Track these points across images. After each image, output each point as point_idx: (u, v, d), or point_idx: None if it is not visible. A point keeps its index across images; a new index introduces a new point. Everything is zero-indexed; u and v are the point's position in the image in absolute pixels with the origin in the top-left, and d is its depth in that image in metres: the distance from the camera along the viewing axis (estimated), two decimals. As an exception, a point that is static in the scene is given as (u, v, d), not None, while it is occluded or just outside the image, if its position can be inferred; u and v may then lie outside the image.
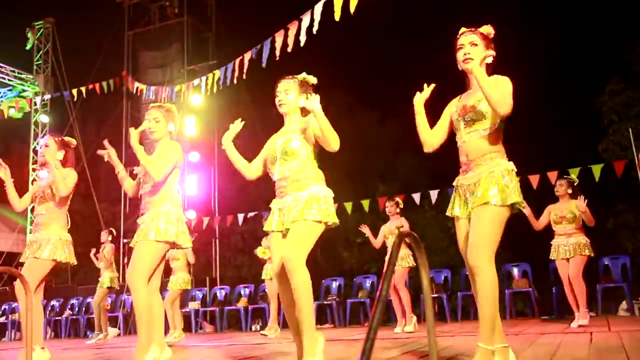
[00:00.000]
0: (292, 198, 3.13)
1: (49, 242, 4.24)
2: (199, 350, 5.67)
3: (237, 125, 3.36)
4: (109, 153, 3.94)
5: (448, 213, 2.93)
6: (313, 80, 3.33)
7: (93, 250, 8.87)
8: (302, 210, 3.04)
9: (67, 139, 4.55)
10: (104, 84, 12.96)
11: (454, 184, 2.92)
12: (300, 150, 3.16)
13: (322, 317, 9.76)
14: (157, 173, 3.61)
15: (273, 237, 3.20)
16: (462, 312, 8.96)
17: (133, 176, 4.01)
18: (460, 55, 2.85)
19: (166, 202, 3.67)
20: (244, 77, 10.36)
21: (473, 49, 2.82)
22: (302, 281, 2.88)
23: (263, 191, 11.12)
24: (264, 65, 9.72)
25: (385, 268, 1.90)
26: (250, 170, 3.35)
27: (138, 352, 3.46)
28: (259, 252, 7.99)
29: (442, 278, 9.14)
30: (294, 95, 3.26)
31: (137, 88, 12.71)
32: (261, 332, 7.47)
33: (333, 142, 3.05)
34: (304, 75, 3.34)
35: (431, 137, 2.99)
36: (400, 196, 8.42)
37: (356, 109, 14.91)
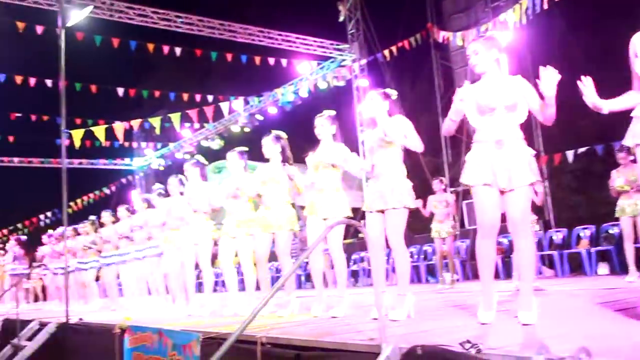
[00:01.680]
0: None
1: (394, 191, 4.15)
2: (555, 296, 5.37)
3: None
4: None
5: None
6: None
7: (420, 203, 9.07)
8: None
9: (388, 90, 4.56)
10: (412, 39, 13.25)
11: None
12: None
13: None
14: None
15: None
16: None
17: None
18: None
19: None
20: (556, -1, 9.41)
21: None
22: None
23: (595, 124, 10.05)
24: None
25: None
26: None
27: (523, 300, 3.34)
28: (617, 184, 6.93)
29: None
30: None
31: (444, 37, 12.67)
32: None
33: None
34: None
35: None
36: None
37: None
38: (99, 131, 15.36)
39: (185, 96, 15.36)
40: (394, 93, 4.51)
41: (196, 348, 4.01)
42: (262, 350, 3.40)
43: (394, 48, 13.43)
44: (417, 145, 4.15)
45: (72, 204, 21.73)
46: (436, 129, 13.39)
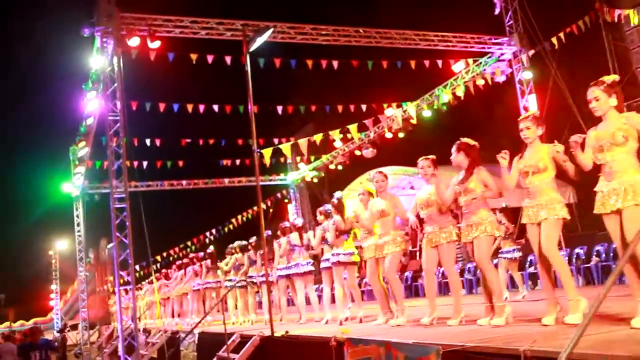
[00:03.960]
0: None
1: (630, 189, 3.95)
2: None
3: None
4: None
5: None
6: None
7: None
8: None
9: (606, 80, 4.21)
10: (580, 23, 12.34)
11: None
12: None
13: None
14: None
15: None
16: None
17: None
18: None
19: None
20: None
21: None
22: None
23: None
24: None
25: None
26: None
27: None
28: None
29: None
30: None
31: (618, 15, 11.64)
32: None
33: None
34: None
35: None
36: None
37: None
38: (286, 149, 16.37)
39: (340, 107, 15.58)
40: (615, 79, 4.23)
41: (436, 362, 3.86)
42: (525, 364, 3.19)
43: (561, 35, 12.59)
44: None
45: (233, 220, 22.97)
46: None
